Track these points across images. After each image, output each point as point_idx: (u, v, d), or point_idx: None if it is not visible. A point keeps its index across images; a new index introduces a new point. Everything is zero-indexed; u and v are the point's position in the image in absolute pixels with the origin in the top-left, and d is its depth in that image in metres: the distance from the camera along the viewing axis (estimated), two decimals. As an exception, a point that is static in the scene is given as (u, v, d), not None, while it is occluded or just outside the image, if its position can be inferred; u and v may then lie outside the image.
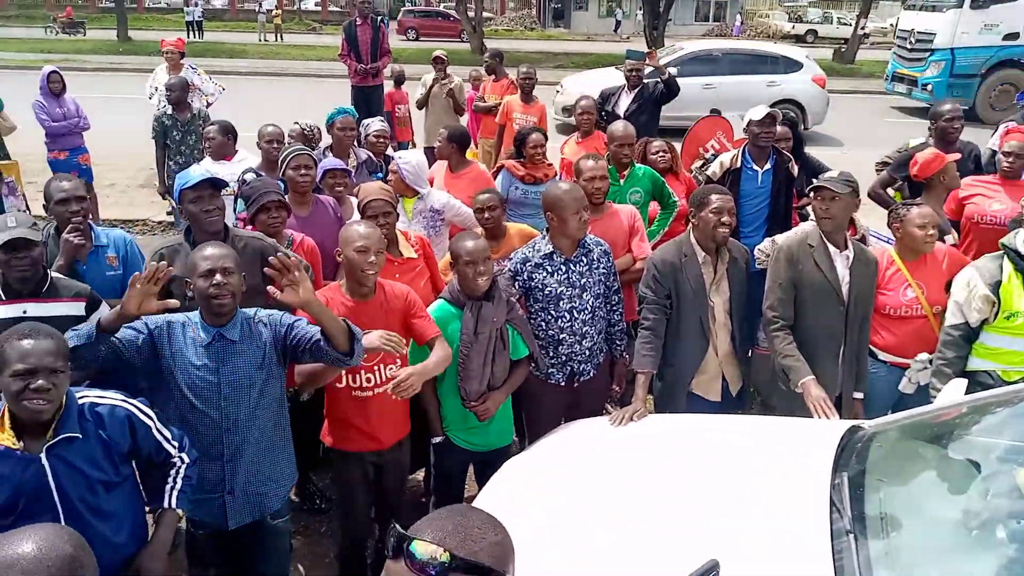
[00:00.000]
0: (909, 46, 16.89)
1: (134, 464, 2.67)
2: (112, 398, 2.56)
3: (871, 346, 3.85)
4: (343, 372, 3.13)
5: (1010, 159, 4.73)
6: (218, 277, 2.74)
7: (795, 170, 4.90)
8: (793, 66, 13.95)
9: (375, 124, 5.88)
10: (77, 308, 3.24)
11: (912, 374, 3.77)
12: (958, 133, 5.19)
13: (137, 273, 2.66)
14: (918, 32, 16.71)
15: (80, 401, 2.48)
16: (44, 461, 2.37)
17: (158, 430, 2.62)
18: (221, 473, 2.83)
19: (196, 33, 31.51)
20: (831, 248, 3.71)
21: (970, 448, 2.94)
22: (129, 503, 2.59)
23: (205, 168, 4.45)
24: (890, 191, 5.42)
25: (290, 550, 3.35)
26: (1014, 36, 15.54)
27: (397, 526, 1.31)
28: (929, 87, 15.77)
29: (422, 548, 1.25)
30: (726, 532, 2.54)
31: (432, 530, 1.29)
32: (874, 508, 2.57)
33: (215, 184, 3.48)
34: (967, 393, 3.24)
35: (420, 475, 4.33)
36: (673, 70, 14.48)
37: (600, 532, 2.63)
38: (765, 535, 2.50)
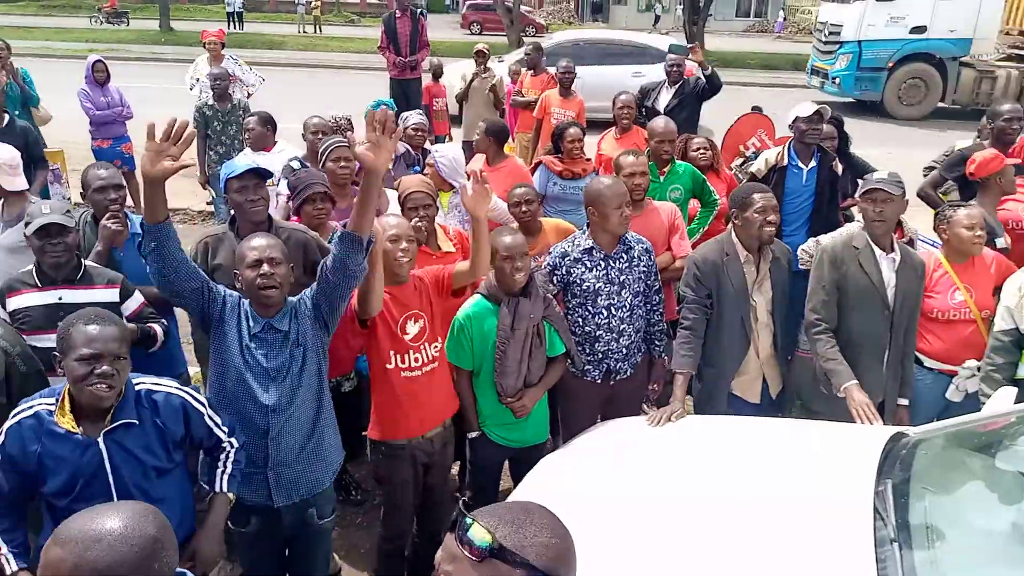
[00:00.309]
0: (823, 39, 16.71)
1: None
2: (167, 385, 2.60)
3: (917, 353, 3.77)
4: (391, 354, 3.13)
5: None
6: (265, 267, 2.74)
7: (839, 169, 4.81)
8: (659, 57, 13.92)
9: (413, 117, 5.89)
10: (111, 295, 3.30)
11: (960, 381, 3.69)
12: (1016, 134, 5.05)
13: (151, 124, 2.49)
14: (831, 25, 16.49)
15: (137, 387, 2.52)
16: (102, 445, 2.41)
17: (209, 417, 2.65)
18: (265, 451, 2.84)
19: (236, 24, 31.85)
20: (877, 251, 3.63)
21: (1020, 459, 2.86)
22: (179, 489, 2.63)
23: (252, 158, 4.48)
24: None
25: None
26: (921, 29, 15.25)
27: (463, 502, 1.35)
28: (837, 80, 15.60)
29: (473, 528, 1.30)
30: (766, 539, 2.50)
31: (492, 516, 1.33)
32: (919, 517, 2.52)
33: (260, 174, 3.51)
34: (1017, 401, 3.16)
35: (455, 469, 4.34)
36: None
37: (635, 534, 2.61)
38: (807, 542, 2.46)
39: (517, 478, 3.47)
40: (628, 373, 3.77)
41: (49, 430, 2.39)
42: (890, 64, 15.18)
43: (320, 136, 5.17)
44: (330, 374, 3.05)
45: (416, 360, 3.20)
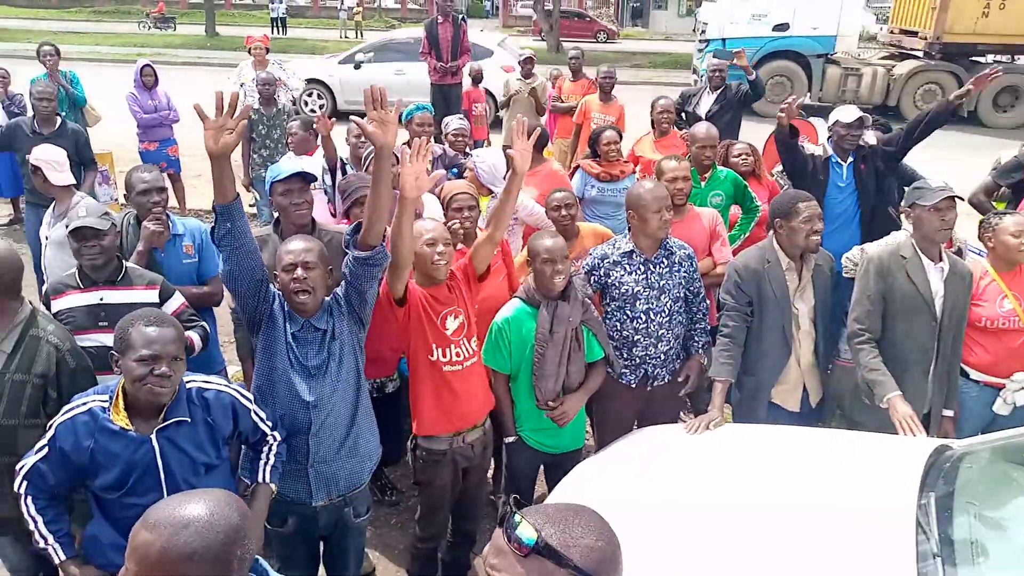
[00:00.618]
0: (699, 37, 16.70)
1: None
2: (217, 383, 2.66)
3: (963, 365, 3.70)
4: (434, 347, 3.17)
5: None
6: (299, 272, 2.77)
7: (872, 140, 4.77)
8: (484, 53, 14.08)
9: (454, 123, 5.94)
10: (151, 296, 3.37)
11: (1008, 394, 3.60)
12: None
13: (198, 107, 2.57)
14: (701, 23, 16.53)
15: (188, 386, 2.59)
16: (155, 442, 2.48)
17: (256, 413, 2.71)
18: (307, 447, 2.89)
19: (280, 29, 32.35)
20: (925, 260, 3.57)
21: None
22: (226, 484, 2.68)
23: (297, 162, 4.55)
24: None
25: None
26: (784, 27, 15.20)
27: (514, 499, 1.37)
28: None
29: (521, 524, 1.31)
30: (807, 550, 2.48)
31: (540, 514, 1.34)
32: (963, 532, 2.47)
33: (305, 178, 3.56)
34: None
35: (490, 473, 4.35)
36: (363, 57, 14.95)
37: (671, 543, 2.60)
38: (847, 555, 2.42)
39: (552, 483, 3.46)
40: (666, 379, 3.75)
41: (103, 426, 2.45)
42: (754, 62, 14.79)
43: (363, 140, 5.23)
44: (374, 375, 3.08)
45: (457, 355, 3.22)
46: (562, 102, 9.25)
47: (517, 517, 1.33)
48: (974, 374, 3.69)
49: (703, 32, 16.36)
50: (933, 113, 4.66)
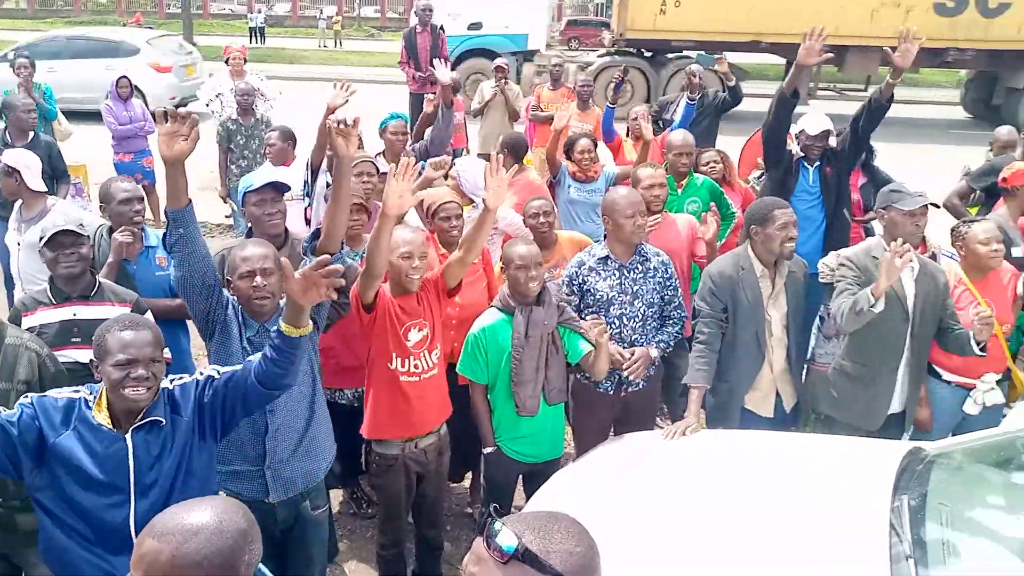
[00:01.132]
0: None
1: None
2: (188, 378, 2.61)
3: (937, 367, 3.78)
4: (394, 356, 3.19)
5: None
6: (258, 280, 2.80)
7: (834, 142, 4.77)
8: (133, 52, 14.60)
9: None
10: (124, 312, 3.33)
11: (978, 394, 3.70)
12: None
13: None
14: None
15: (165, 386, 2.55)
16: (128, 441, 2.44)
17: (213, 377, 2.58)
18: (263, 449, 2.89)
19: (258, 39, 32.23)
20: None
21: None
22: (200, 491, 2.62)
23: (270, 172, 4.54)
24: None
25: (332, 543, 3.37)
26: (478, 26, 15.56)
27: (493, 508, 1.39)
28: None
29: (501, 531, 1.33)
30: (780, 555, 2.50)
31: (520, 521, 1.37)
32: (935, 533, 2.51)
33: (278, 188, 3.55)
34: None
35: (467, 484, 4.34)
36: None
37: (648, 549, 2.61)
38: (821, 559, 2.44)
39: (531, 494, 3.46)
40: (641, 385, 3.76)
41: (83, 417, 2.42)
42: (452, 60, 14.89)
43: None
44: (347, 384, 3.08)
45: (416, 367, 3.25)
46: (542, 111, 9.28)
47: (497, 524, 1.34)
48: (946, 375, 3.76)
49: None
50: (870, 107, 4.56)
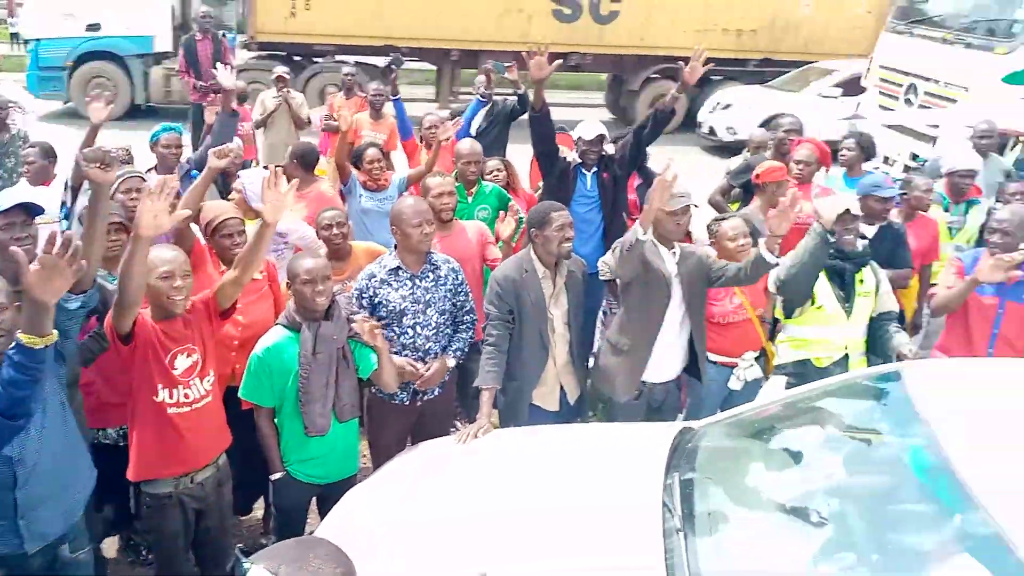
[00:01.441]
0: (23, 37, 15.60)
1: None
2: None
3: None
4: (159, 387, 3.00)
5: (800, 166, 5.20)
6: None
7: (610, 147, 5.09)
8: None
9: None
10: None
11: (740, 371, 4.13)
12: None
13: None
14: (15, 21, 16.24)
15: None
16: None
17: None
18: (13, 502, 2.65)
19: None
20: (662, 248, 3.84)
21: (788, 440, 3.16)
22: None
23: (20, 193, 4.14)
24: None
25: None
26: (96, 27, 14.76)
27: (239, 549, 1.35)
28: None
29: (252, 571, 1.28)
30: (568, 540, 2.62)
31: (272, 557, 1.32)
32: (702, 506, 2.72)
33: (29, 210, 3.24)
34: (787, 388, 3.50)
35: (260, 514, 4.18)
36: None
37: (438, 553, 2.65)
38: (601, 540, 2.58)
39: (324, 515, 3.37)
40: (436, 393, 3.80)
41: None
42: (69, 63, 14.06)
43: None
44: (110, 423, 2.88)
45: (186, 396, 3.07)
46: (334, 120, 9.11)
47: (246, 564, 1.30)
48: (712, 356, 4.11)
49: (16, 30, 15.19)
50: (655, 118, 4.96)
